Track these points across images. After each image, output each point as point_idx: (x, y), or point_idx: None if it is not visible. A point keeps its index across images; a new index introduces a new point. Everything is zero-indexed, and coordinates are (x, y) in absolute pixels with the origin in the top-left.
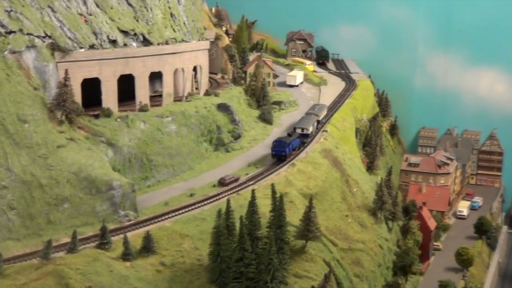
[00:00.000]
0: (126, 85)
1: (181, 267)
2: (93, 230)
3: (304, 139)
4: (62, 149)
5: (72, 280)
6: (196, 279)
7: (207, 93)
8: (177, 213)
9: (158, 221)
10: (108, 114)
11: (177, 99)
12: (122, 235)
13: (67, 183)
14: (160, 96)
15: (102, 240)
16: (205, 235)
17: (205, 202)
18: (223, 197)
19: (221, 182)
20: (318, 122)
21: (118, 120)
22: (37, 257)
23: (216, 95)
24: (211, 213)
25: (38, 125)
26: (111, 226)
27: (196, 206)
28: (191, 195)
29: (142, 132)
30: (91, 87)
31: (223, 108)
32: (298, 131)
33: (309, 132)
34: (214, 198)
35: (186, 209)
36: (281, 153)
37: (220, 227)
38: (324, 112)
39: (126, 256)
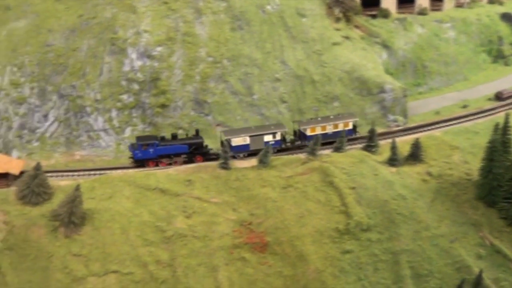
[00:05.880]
0: None
1: (448, 179)
2: (360, 132)
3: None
4: (337, 47)
5: (336, 179)
6: (463, 194)
7: (490, 1)
8: (448, 123)
9: (428, 129)
10: (386, 15)
11: (458, 5)
12: (389, 140)
13: (338, 82)
14: (441, 0)
15: (370, 142)
16: (477, 149)
17: (479, 115)
18: (499, 111)
19: (498, 96)
20: (283, 139)
21: (396, 22)
22: (304, 153)
23: (500, 3)
24: (484, 127)
25: (316, 20)
26: (378, 130)
27: (469, 118)
28: (464, 106)
29: (419, 37)
30: None
31: (507, 18)
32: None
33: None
34: (489, 112)
35: (458, 120)
36: (131, 155)
37: (495, 142)
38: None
39: (392, 161)
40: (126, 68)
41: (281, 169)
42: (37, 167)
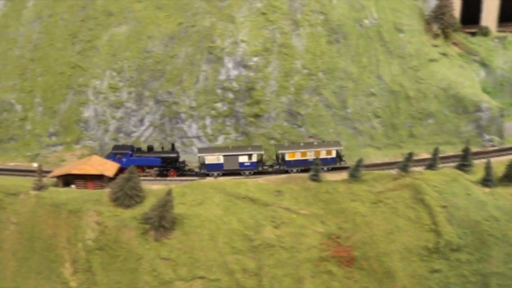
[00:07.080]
0: (509, 4)
1: None
2: (453, 150)
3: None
4: (434, 63)
5: (427, 197)
6: None
7: None
8: None
9: None
10: (485, 33)
11: None
12: (483, 160)
13: (434, 99)
14: None
15: (463, 161)
16: None
17: None
18: None
19: None
20: (260, 160)
21: (495, 40)
22: (396, 168)
23: None
24: None
25: (413, 36)
26: (473, 149)
27: None
28: None
29: None
30: (472, 3)
31: None
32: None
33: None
34: None
35: None
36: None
37: None
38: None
39: (486, 182)
40: (222, 76)
41: (371, 184)
42: (131, 171)
